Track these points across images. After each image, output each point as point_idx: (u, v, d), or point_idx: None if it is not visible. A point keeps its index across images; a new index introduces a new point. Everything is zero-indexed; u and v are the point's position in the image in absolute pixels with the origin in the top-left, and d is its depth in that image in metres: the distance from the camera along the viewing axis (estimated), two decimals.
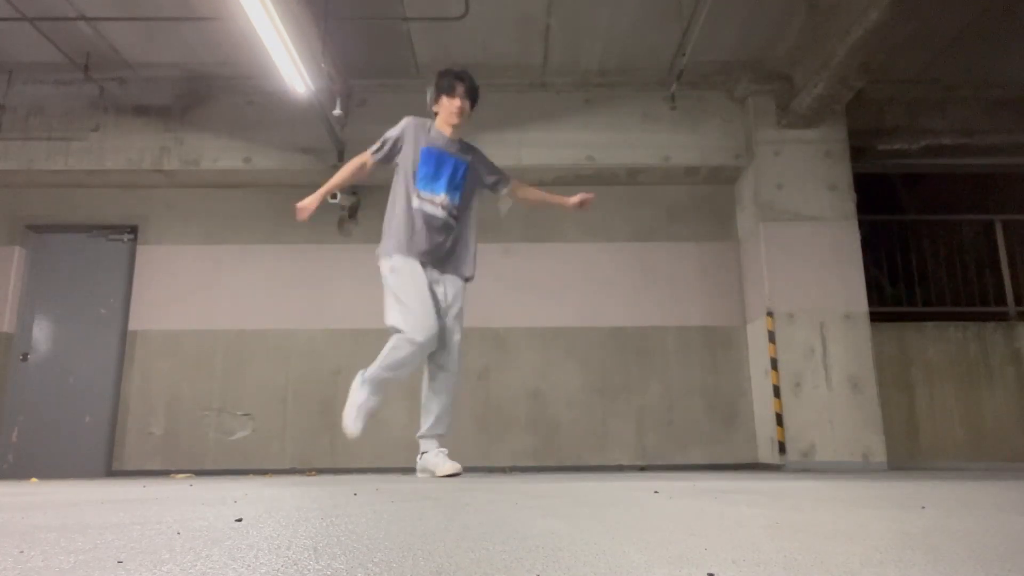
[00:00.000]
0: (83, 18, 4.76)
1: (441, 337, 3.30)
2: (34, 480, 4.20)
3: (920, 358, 5.35)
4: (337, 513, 1.41)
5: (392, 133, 3.49)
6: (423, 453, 3.38)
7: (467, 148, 3.52)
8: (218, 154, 5.40)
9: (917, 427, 5.21)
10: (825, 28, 4.68)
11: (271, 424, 5.25)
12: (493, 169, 3.58)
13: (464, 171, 3.43)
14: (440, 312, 3.30)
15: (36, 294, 5.52)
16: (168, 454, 5.19)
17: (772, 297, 5.04)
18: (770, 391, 4.96)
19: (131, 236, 5.63)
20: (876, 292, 5.72)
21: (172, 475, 4.83)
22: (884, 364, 5.27)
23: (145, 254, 5.55)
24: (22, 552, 0.91)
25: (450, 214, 3.35)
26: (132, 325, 5.42)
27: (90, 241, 5.62)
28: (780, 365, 4.93)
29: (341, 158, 5.40)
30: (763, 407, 5.12)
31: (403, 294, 3.21)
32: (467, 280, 3.45)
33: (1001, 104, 5.69)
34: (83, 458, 5.22)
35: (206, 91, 5.53)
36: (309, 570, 0.77)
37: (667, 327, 5.46)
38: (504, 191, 3.61)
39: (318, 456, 5.20)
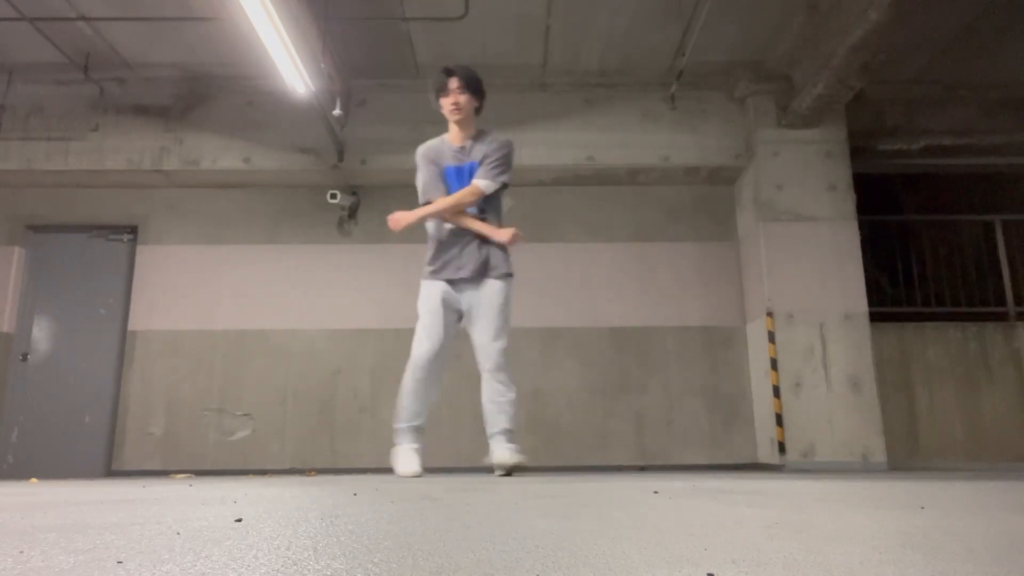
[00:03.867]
0: (83, 18, 4.76)
1: (477, 343, 3.34)
2: (34, 480, 4.20)
3: (920, 358, 5.35)
4: (337, 513, 1.41)
5: (427, 170, 3.44)
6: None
7: (479, 145, 3.41)
8: (218, 154, 5.40)
9: (917, 427, 5.21)
10: (825, 28, 4.68)
11: (271, 424, 5.25)
12: (485, 167, 3.39)
13: (474, 172, 3.39)
14: (470, 320, 3.33)
15: (36, 294, 5.52)
16: (168, 454, 5.19)
17: (772, 297, 5.04)
18: (770, 391, 4.96)
19: (131, 236, 5.63)
20: (876, 292, 5.72)
21: (172, 475, 4.83)
22: (884, 364, 5.27)
23: (145, 254, 5.55)
24: (22, 552, 0.91)
25: (476, 216, 3.32)
26: (132, 325, 5.42)
27: (90, 241, 5.62)
28: (780, 365, 4.93)
29: (341, 158, 5.41)
30: (763, 407, 5.12)
31: (420, 317, 3.34)
32: (505, 277, 3.35)
33: (1001, 104, 5.69)
34: (83, 458, 5.23)
35: (206, 91, 5.53)
36: (309, 570, 0.77)
37: (667, 327, 5.46)
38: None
39: (318, 456, 5.20)
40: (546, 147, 5.48)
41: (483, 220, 3.34)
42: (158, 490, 2.33)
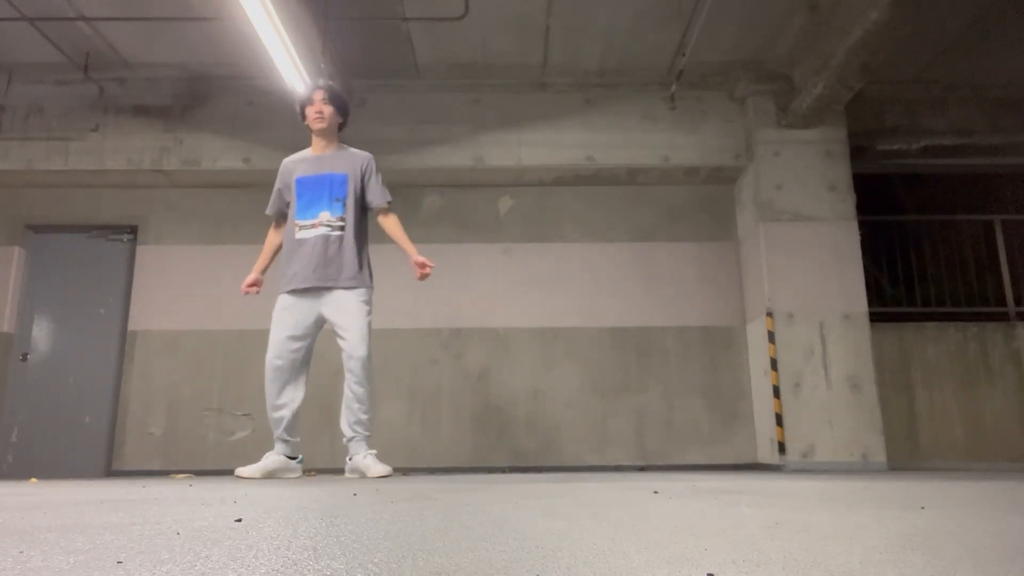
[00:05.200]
0: (83, 18, 4.76)
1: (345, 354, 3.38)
2: (34, 480, 4.20)
3: (920, 358, 5.35)
4: (337, 513, 1.41)
5: (275, 187, 3.58)
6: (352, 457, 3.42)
7: (347, 157, 3.49)
8: (218, 154, 5.40)
9: (917, 427, 5.21)
10: (825, 28, 4.69)
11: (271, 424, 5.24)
12: (372, 187, 3.50)
13: (343, 182, 3.43)
14: (337, 332, 3.39)
15: (36, 294, 5.52)
16: (168, 454, 5.19)
17: (772, 297, 5.04)
18: (770, 391, 4.96)
19: (131, 236, 5.63)
20: (876, 292, 5.72)
21: (172, 475, 4.83)
22: (884, 364, 5.27)
23: (145, 254, 5.55)
24: (22, 552, 0.91)
25: (333, 228, 3.37)
26: (132, 325, 5.42)
27: (90, 241, 5.62)
28: (780, 365, 4.93)
29: None
30: (763, 407, 5.12)
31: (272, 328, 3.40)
32: (355, 288, 3.37)
33: (1001, 104, 5.69)
34: (83, 458, 5.23)
35: (206, 91, 5.53)
36: (309, 570, 0.77)
37: (667, 327, 5.46)
38: (373, 208, 3.55)
39: (318, 456, 5.20)
40: (546, 147, 5.48)
41: (352, 229, 3.41)
42: (158, 490, 2.33)
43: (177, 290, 5.48)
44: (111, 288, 5.54)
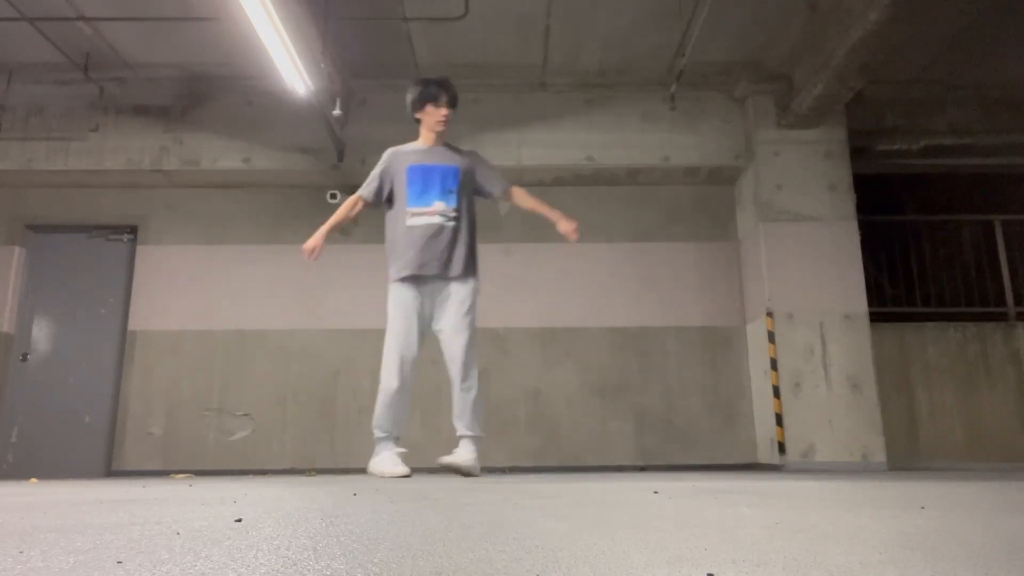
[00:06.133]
0: (83, 18, 4.76)
1: (444, 346, 3.41)
2: (34, 480, 4.20)
3: (920, 358, 5.35)
4: (337, 513, 1.41)
5: (377, 170, 3.59)
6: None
7: (456, 152, 3.59)
8: (218, 154, 5.40)
9: (917, 427, 5.21)
10: (825, 28, 4.68)
11: (271, 424, 5.25)
12: (488, 175, 3.63)
13: (455, 175, 3.49)
14: (439, 327, 3.42)
15: (36, 294, 5.52)
16: (168, 454, 5.19)
17: (772, 297, 5.04)
18: (770, 391, 4.96)
19: (131, 236, 5.63)
20: (876, 292, 5.72)
21: (172, 475, 4.83)
22: (884, 364, 5.27)
23: (145, 254, 5.55)
24: (22, 552, 0.91)
25: (447, 218, 3.42)
26: (132, 325, 5.42)
27: (90, 241, 5.62)
28: (780, 365, 4.93)
29: (341, 158, 5.41)
30: (763, 407, 5.12)
31: (391, 321, 3.41)
32: (467, 280, 3.44)
33: (1001, 104, 5.69)
34: (83, 458, 5.23)
35: (206, 91, 5.53)
36: (309, 570, 0.77)
37: (667, 327, 5.46)
38: (497, 195, 3.64)
39: (318, 456, 5.20)
40: (546, 147, 5.48)
41: (465, 220, 3.47)
42: (158, 490, 2.33)
43: (177, 290, 5.48)
44: (111, 288, 5.54)
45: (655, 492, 1.97)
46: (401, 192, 3.47)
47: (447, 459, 3.33)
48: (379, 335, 5.51)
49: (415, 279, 3.39)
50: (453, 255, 3.39)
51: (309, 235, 5.57)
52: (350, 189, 5.61)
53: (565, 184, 5.71)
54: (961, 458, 5.16)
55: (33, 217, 5.59)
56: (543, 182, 5.69)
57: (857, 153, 5.44)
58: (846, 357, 4.94)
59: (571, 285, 5.54)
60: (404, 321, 3.36)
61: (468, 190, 3.55)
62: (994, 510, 1.39)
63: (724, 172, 5.57)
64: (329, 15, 4.66)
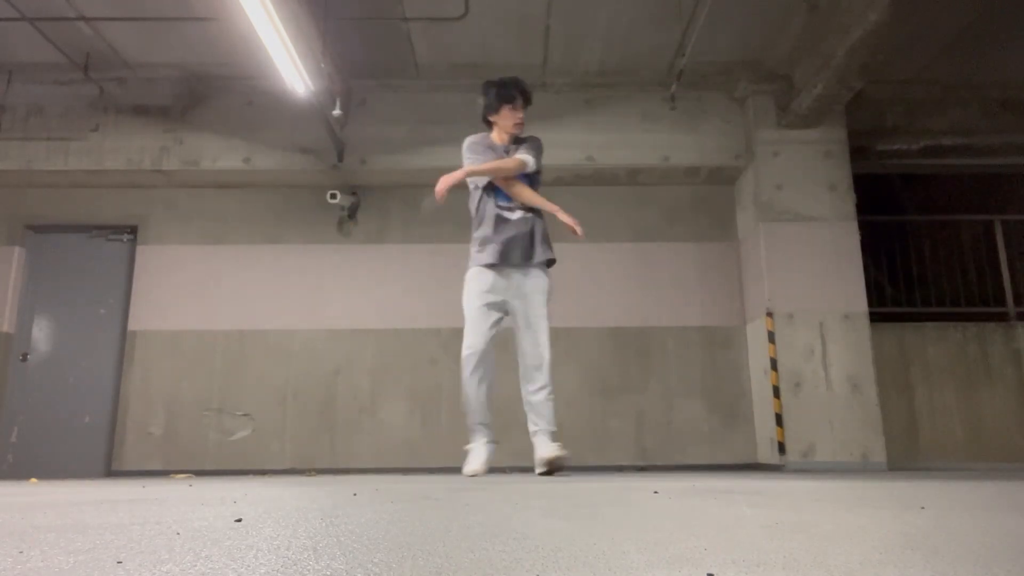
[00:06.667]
0: (83, 18, 4.76)
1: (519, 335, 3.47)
2: (34, 480, 4.20)
3: (920, 358, 5.35)
4: (337, 513, 1.41)
5: (475, 152, 3.59)
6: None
7: (517, 144, 3.64)
8: (218, 154, 5.40)
9: (917, 427, 5.21)
10: (825, 28, 4.68)
11: (271, 424, 5.25)
12: (525, 149, 3.63)
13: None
14: (516, 321, 3.47)
15: (36, 294, 5.52)
16: (168, 454, 5.19)
17: (772, 297, 5.04)
18: (770, 391, 4.96)
19: (131, 236, 5.63)
20: (876, 292, 5.72)
21: (172, 475, 4.83)
22: (884, 364, 5.27)
23: (145, 254, 5.55)
24: (22, 552, 0.91)
25: (527, 212, 3.51)
26: (132, 325, 5.42)
27: (90, 241, 5.62)
28: (780, 365, 4.93)
29: (341, 158, 5.41)
30: (763, 407, 5.12)
31: (468, 310, 3.46)
32: (543, 271, 3.53)
33: (1001, 104, 5.69)
34: (83, 458, 5.22)
35: (206, 91, 5.53)
36: (309, 570, 0.77)
37: (667, 327, 5.46)
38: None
39: (318, 456, 5.20)
40: (546, 147, 5.44)
41: (536, 213, 3.54)
42: (158, 490, 2.33)
43: (177, 290, 5.48)
44: (111, 288, 5.54)
45: (655, 492, 1.97)
46: (490, 185, 3.54)
47: (543, 460, 3.32)
48: (379, 335, 5.54)
49: (494, 268, 3.44)
50: (534, 248, 3.47)
51: (309, 235, 5.60)
52: (350, 189, 5.62)
53: (565, 184, 5.71)
54: (961, 458, 5.16)
55: (33, 217, 5.59)
56: (543, 182, 5.67)
57: (857, 153, 5.43)
58: (846, 357, 4.94)
59: (571, 285, 5.53)
60: (479, 310, 3.42)
61: (535, 183, 3.62)
62: (994, 510, 1.39)
63: (724, 172, 5.57)
64: (329, 15, 4.66)
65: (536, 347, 3.43)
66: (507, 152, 3.57)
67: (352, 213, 5.62)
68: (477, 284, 3.45)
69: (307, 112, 5.35)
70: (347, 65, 5.38)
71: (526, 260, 3.45)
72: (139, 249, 5.56)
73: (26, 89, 5.46)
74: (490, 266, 3.44)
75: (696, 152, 5.47)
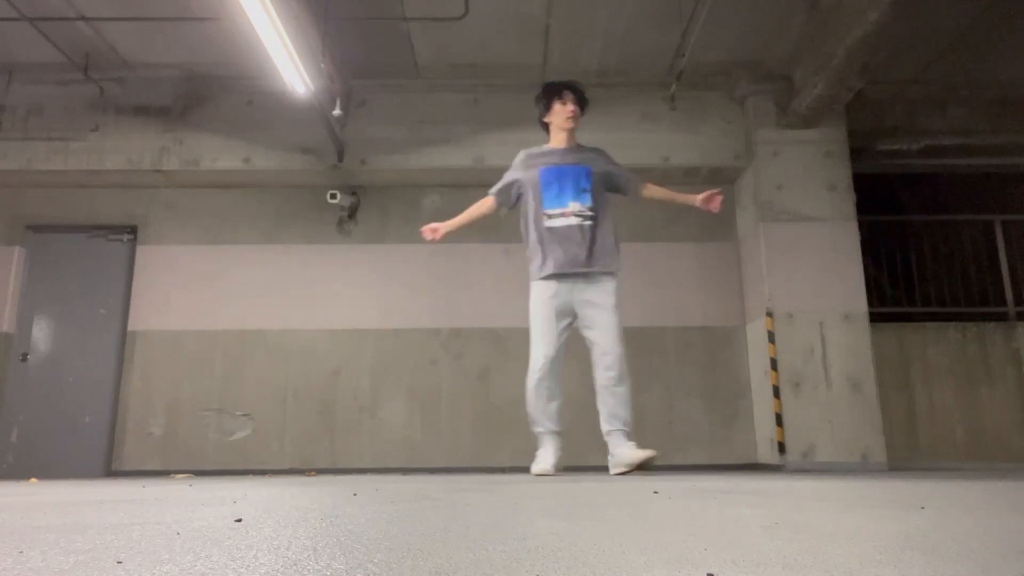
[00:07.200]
0: (83, 18, 4.76)
1: (595, 341, 3.46)
2: (34, 480, 4.20)
3: (920, 358, 5.35)
4: (337, 513, 1.41)
5: (509, 174, 3.64)
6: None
7: (588, 151, 3.64)
8: (218, 154, 5.40)
9: (917, 427, 5.21)
10: (825, 28, 4.68)
11: (271, 424, 5.25)
12: (619, 174, 3.67)
13: (587, 174, 3.54)
14: (585, 324, 3.47)
15: (36, 294, 5.52)
16: (168, 454, 5.19)
17: (772, 297, 5.04)
18: (770, 391, 4.96)
19: (131, 236, 5.63)
20: (876, 292, 5.71)
21: (172, 475, 4.83)
22: (884, 364, 5.27)
23: (145, 254, 5.55)
24: (22, 552, 0.91)
25: (584, 218, 3.46)
26: (132, 325, 5.42)
27: (90, 241, 5.62)
28: (780, 365, 4.93)
29: (341, 158, 5.41)
30: (763, 407, 5.12)
31: (533, 322, 3.48)
32: (610, 276, 3.50)
33: (1001, 104, 5.69)
34: (83, 458, 5.23)
35: (206, 91, 5.53)
36: (309, 570, 0.77)
37: (667, 327, 5.46)
38: (631, 194, 3.70)
39: (318, 456, 5.20)
40: None
41: (602, 218, 3.52)
42: (158, 490, 2.33)
43: (177, 290, 5.48)
44: (111, 288, 5.54)
45: (655, 492, 1.97)
46: (536, 194, 3.52)
47: (623, 462, 3.34)
48: (379, 335, 5.54)
49: (556, 278, 3.44)
50: (592, 254, 3.43)
51: (309, 235, 5.60)
52: (350, 189, 5.62)
53: None
54: (961, 458, 5.16)
55: (33, 217, 5.59)
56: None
57: (857, 153, 5.43)
58: (846, 357, 4.94)
59: None
60: (543, 320, 3.43)
61: (602, 188, 3.59)
62: (994, 510, 1.39)
63: (724, 172, 5.57)
64: (329, 15, 4.66)
65: (607, 343, 3.41)
66: (569, 153, 3.57)
67: (352, 213, 5.62)
68: (537, 294, 3.48)
69: (307, 112, 5.35)
70: (347, 65, 5.38)
71: (584, 268, 3.43)
72: (139, 249, 5.56)
73: (26, 89, 5.47)
74: (546, 278, 3.45)
75: (696, 152, 5.47)
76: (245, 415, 5.27)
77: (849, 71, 4.57)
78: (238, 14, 3.81)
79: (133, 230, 5.63)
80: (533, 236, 3.52)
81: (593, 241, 3.44)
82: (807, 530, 1.09)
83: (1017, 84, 5.64)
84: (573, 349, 5.45)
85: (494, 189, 3.71)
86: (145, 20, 4.83)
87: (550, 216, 3.47)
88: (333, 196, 5.35)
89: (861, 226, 5.22)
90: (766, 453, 5.06)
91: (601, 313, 3.41)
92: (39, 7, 4.67)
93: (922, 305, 5.76)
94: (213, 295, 5.47)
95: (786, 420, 4.84)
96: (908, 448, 5.17)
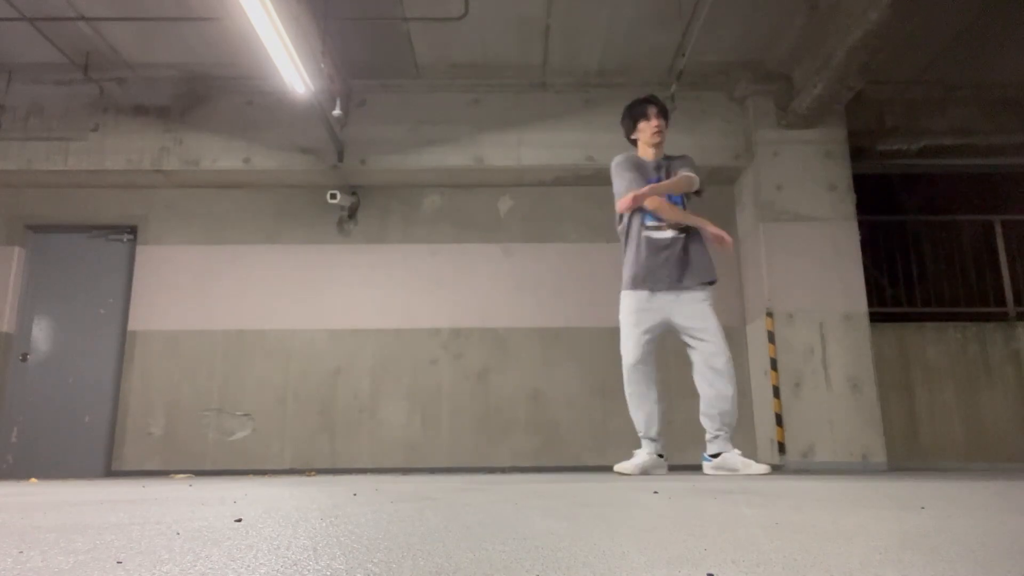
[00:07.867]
0: (83, 18, 4.76)
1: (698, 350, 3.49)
2: (34, 480, 4.20)
3: (920, 358, 5.35)
4: (337, 513, 1.41)
5: (630, 173, 3.59)
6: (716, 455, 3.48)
7: (675, 161, 3.66)
8: (218, 154, 5.40)
9: (917, 427, 5.21)
10: (825, 28, 4.68)
11: (271, 424, 5.25)
12: (688, 167, 3.65)
13: None
14: (691, 335, 3.49)
15: (36, 294, 5.52)
16: (167, 454, 5.19)
17: (772, 297, 5.04)
18: (770, 391, 4.96)
19: (131, 236, 5.63)
20: (876, 292, 5.71)
21: (171, 475, 4.83)
22: (884, 364, 5.27)
23: (145, 254, 5.55)
24: (22, 552, 0.91)
25: (679, 231, 3.51)
26: (132, 325, 5.42)
27: (90, 241, 5.62)
28: (780, 365, 4.93)
29: (341, 158, 5.41)
30: (763, 407, 5.12)
31: (622, 328, 3.54)
32: (706, 287, 3.51)
33: (1001, 104, 5.69)
34: (83, 458, 5.22)
35: (206, 91, 5.53)
36: (309, 570, 0.77)
37: None
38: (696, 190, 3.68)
39: (318, 456, 5.20)
40: (546, 147, 5.47)
41: (687, 233, 3.54)
42: (158, 490, 2.33)
43: (177, 290, 5.48)
44: (111, 288, 5.54)
45: (655, 492, 1.97)
46: (638, 207, 3.55)
47: (745, 471, 3.33)
48: (379, 335, 5.53)
49: (648, 289, 3.47)
50: (687, 266, 3.48)
51: (309, 235, 5.60)
52: (350, 189, 5.62)
53: (565, 184, 5.71)
54: (961, 458, 5.16)
55: (33, 217, 5.59)
56: (543, 182, 5.69)
57: (857, 153, 5.43)
58: (846, 357, 4.93)
59: (571, 285, 5.53)
60: (633, 329, 3.50)
61: (690, 198, 3.65)
62: (994, 510, 1.39)
63: (724, 172, 5.57)
64: (329, 15, 4.66)
65: (709, 349, 3.44)
66: (659, 168, 3.61)
67: (352, 213, 5.62)
68: (627, 303, 3.52)
69: (307, 112, 5.35)
70: (347, 65, 5.38)
71: (677, 283, 3.46)
72: (139, 249, 5.56)
73: (26, 89, 5.47)
74: (638, 289, 3.48)
75: (696, 152, 5.45)
76: (245, 415, 5.27)
77: (849, 71, 4.57)
78: (238, 14, 3.81)
79: (133, 230, 5.63)
80: (630, 245, 3.57)
81: (686, 254, 3.51)
82: (807, 530, 1.09)
83: (1017, 84, 5.64)
84: (578, 352, 5.46)
85: (628, 184, 3.56)
86: (145, 20, 4.83)
87: (649, 227, 3.53)
88: (333, 196, 5.35)
89: (861, 226, 5.22)
90: (766, 453, 5.06)
91: (695, 324, 3.45)
92: (39, 7, 4.67)
93: (922, 305, 5.76)
94: (213, 295, 5.47)
95: (786, 420, 4.84)
96: (908, 448, 5.17)
